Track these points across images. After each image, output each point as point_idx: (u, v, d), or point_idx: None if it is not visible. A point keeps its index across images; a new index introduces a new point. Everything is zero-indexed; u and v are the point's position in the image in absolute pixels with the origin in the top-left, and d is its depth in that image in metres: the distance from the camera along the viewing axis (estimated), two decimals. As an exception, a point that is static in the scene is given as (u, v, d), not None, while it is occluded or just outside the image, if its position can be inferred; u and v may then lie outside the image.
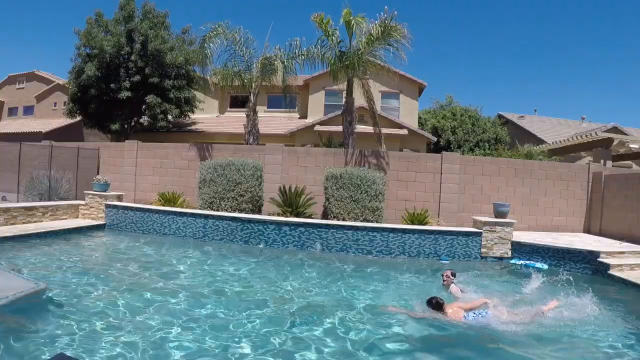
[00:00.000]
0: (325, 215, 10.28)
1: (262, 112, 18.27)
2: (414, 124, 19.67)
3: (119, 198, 10.90)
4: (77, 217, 10.61)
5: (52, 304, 4.59)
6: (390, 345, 4.15)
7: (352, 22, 11.16)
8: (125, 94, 16.36)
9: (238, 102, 22.55)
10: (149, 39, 16.56)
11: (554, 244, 8.54)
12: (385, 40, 11.11)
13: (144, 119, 18.61)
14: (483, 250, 8.82)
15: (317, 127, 17.81)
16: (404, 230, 8.84)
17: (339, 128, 13.25)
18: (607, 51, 61.13)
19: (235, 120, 19.84)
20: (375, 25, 10.99)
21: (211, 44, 12.13)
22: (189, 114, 19.70)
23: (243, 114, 14.27)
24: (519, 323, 4.70)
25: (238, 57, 12.84)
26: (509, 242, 8.86)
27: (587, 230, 11.27)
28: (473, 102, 54.68)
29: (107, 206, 10.38)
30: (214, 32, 12.07)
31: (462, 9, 61.42)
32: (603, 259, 7.84)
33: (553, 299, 5.32)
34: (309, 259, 7.99)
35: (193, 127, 20.80)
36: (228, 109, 23.29)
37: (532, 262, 8.46)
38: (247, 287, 6.00)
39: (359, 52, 11.22)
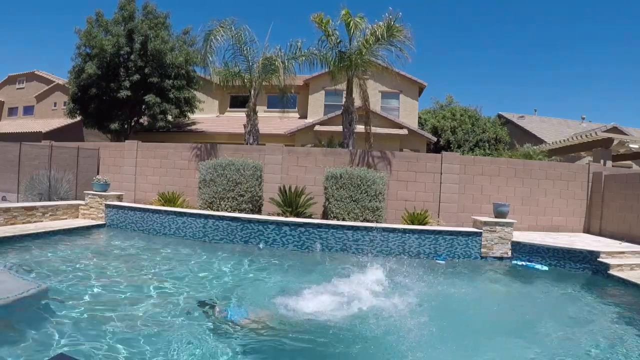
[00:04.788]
0: (325, 215, 10.28)
1: (262, 112, 18.27)
2: (414, 124, 19.67)
3: (119, 198, 10.90)
4: (77, 217, 10.61)
5: (52, 305, 4.59)
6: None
7: (351, 23, 11.18)
8: (125, 93, 16.37)
9: (238, 102, 22.56)
10: (149, 39, 16.57)
11: (554, 244, 8.54)
12: (387, 40, 11.14)
13: (144, 119, 18.64)
14: (483, 250, 8.82)
15: (317, 127, 17.82)
16: (404, 230, 8.84)
17: (339, 128, 13.26)
18: (607, 51, 61.16)
19: (235, 120, 19.85)
20: (379, 25, 10.99)
21: (218, 37, 11.91)
22: (189, 114, 19.70)
23: (243, 114, 14.28)
24: None
25: (240, 56, 12.81)
26: (509, 242, 8.86)
27: (587, 230, 11.27)
28: (473, 102, 54.81)
29: (107, 206, 10.39)
30: (221, 27, 11.94)
31: (462, 9, 61.43)
32: (603, 259, 7.84)
33: None
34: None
35: (193, 127, 20.81)
36: (228, 109, 23.30)
37: (532, 263, 8.47)
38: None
39: (360, 52, 11.25)
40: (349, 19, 11.17)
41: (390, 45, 11.38)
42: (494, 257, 8.77)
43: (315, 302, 5.02)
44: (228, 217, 9.33)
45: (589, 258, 8.01)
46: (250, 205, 10.41)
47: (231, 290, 5.84)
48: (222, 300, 5.36)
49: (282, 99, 13.85)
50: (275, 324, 4.51)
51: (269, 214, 10.36)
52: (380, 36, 10.92)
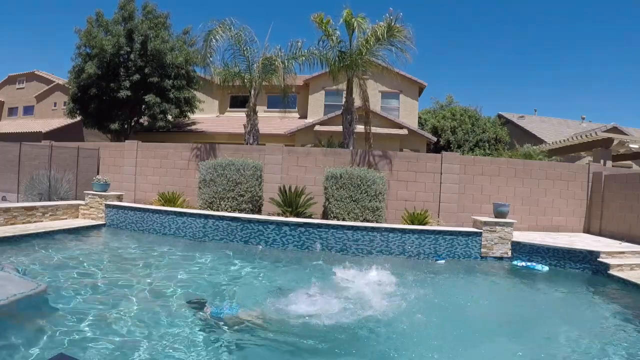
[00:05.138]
0: (325, 215, 10.28)
1: (262, 112, 18.28)
2: (414, 124, 19.68)
3: (119, 198, 10.90)
4: (77, 217, 10.61)
5: (52, 305, 4.59)
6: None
7: (354, 23, 11.17)
8: (125, 93, 16.38)
9: (238, 102, 22.56)
10: (149, 39, 16.58)
11: (554, 244, 8.54)
12: (388, 40, 11.14)
13: (144, 119, 18.65)
14: (483, 250, 8.82)
15: (317, 127, 17.82)
16: (403, 230, 8.84)
17: (339, 128, 13.26)
18: (607, 51, 61.15)
19: (235, 120, 19.85)
20: (380, 25, 10.99)
21: (218, 37, 11.86)
22: (189, 114, 19.72)
23: (243, 114, 14.27)
24: None
25: (240, 56, 12.79)
26: (509, 242, 8.86)
27: (587, 230, 11.27)
28: (473, 102, 54.75)
29: (107, 206, 10.39)
30: (221, 28, 11.90)
31: (462, 9, 61.43)
32: (603, 259, 7.84)
33: None
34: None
35: (193, 127, 20.82)
36: (228, 109, 23.30)
37: (532, 264, 8.46)
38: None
39: (361, 52, 11.25)
40: (351, 19, 11.17)
41: (391, 46, 11.39)
42: (494, 257, 8.77)
43: (311, 303, 5.00)
44: (228, 217, 9.33)
45: (589, 258, 8.01)
46: (250, 205, 10.41)
47: (226, 290, 5.86)
48: (215, 299, 5.36)
49: (282, 99, 13.86)
50: (266, 324, 4.50)
51: (269, 214, 10.35)
52: (380, 36, 10.92)
